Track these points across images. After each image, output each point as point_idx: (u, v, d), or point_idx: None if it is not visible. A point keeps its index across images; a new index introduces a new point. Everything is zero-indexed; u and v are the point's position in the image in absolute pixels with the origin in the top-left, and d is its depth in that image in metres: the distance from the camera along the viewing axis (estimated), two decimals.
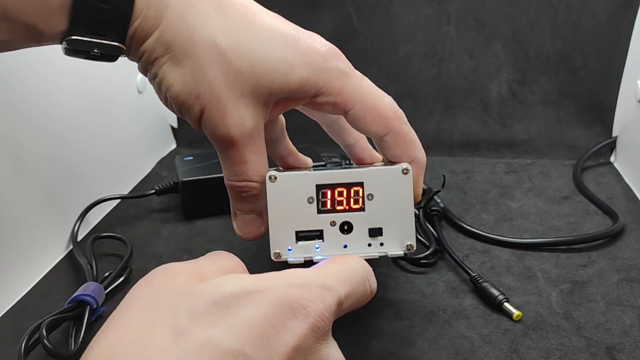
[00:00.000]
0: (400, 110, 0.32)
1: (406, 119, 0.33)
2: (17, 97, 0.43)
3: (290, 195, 0.31)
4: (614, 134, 0.65)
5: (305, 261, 0.31)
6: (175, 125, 0.73)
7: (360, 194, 0.31)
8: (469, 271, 0.41)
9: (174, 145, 0.73)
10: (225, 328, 0.21)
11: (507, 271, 0.43)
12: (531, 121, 0.67)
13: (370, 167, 0.31)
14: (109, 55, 0.30)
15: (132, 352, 0.20)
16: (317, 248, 0.31)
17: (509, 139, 0.67)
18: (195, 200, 0.53)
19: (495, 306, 0.38)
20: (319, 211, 0.31)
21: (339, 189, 0.31)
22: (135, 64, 0.31)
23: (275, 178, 0.30)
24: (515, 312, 0.37)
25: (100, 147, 0.54)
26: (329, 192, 0.31)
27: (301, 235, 0.31)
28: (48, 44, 0.29)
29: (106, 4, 0.27)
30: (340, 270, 0.26)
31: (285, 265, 0.30)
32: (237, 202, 0.33)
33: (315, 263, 0.29)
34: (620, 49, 0.63)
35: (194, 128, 0.31)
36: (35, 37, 0.27)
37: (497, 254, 0.45)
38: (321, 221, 0.31)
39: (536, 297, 0.39)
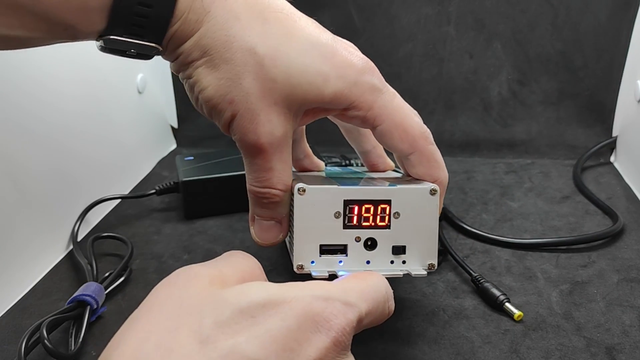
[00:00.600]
0: (428, 130, 0.33)
1: (432, 139, 0.33)
2: (20, 95, 0.43)
3: (317, 208, 0.31)
4: (614, 134, 0.65)
5: (329, 275, 0.31)
6: (176, 125, 0.73)
7: (387, 212, 0.31)
8: (471, 271, 0.41)
9: (174, 145, 0.73)
10: (250, 337, 0.21)
11: (507, 271, 0.43)
12: (531, 121, 0.67)
13: (398, 186, 0.31)
14: (144, 54, 0.30)
15: (156, 357, 0.20)
16: (340, 263, 0.31)
17: (509, 139, 0.67)
18: (195, 200, 0.53)
19: (496, 306, 0.38)
20: (345, 226, 0.31)
21: (367, 206, 0.31)
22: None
23: (304, 191, 0.30)
24: (517, 313, 0.37)
25: (101, 148, 0.54)
26: (356, 208, 0.31)
27: (325, 249, 0.31)
28: (82, 41, 0.29)
29: (147, 7, 0.27)
30: (363, 287, 0.25)
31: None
32: (257, 208, 0.33)
33: (337, 277, 0.28)
34: (620, 50, 0.63)
35: (221, 131, 0.31)
36: (71, 35, 0.27)
37: (497, 254, 0.45)
38: (346, 236, 0.31)
39: (536, 298, 0.39)
